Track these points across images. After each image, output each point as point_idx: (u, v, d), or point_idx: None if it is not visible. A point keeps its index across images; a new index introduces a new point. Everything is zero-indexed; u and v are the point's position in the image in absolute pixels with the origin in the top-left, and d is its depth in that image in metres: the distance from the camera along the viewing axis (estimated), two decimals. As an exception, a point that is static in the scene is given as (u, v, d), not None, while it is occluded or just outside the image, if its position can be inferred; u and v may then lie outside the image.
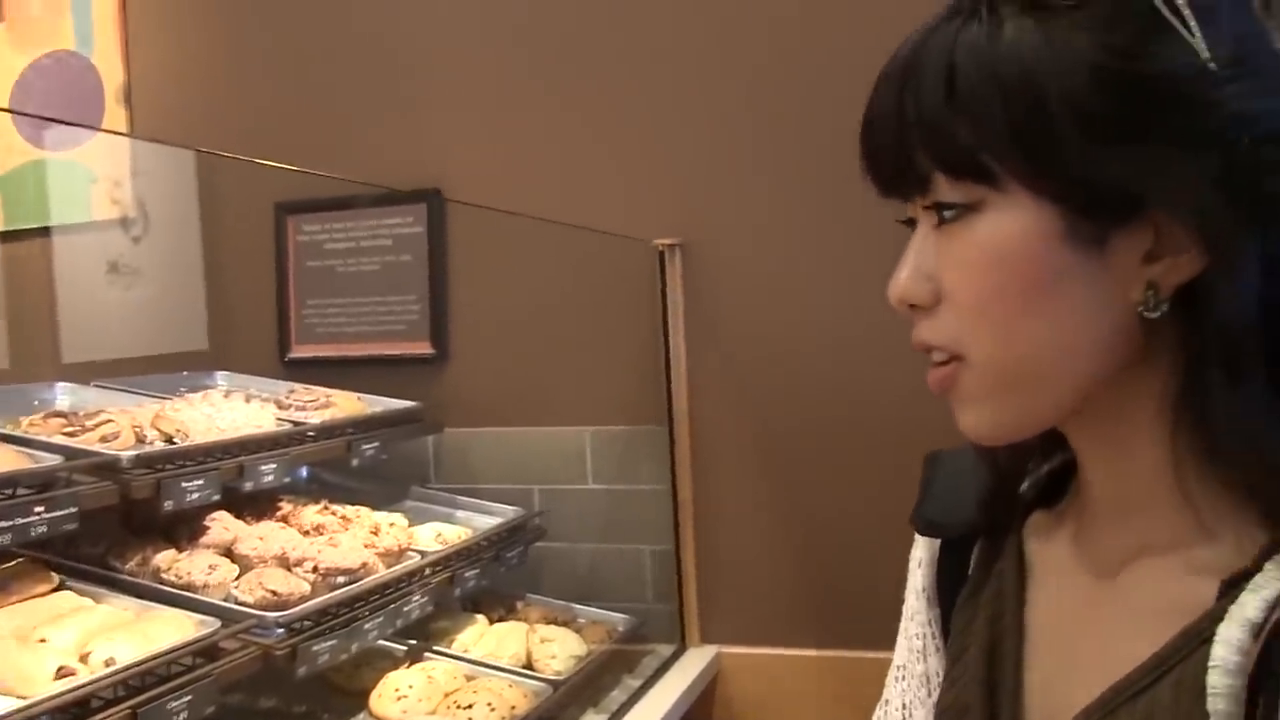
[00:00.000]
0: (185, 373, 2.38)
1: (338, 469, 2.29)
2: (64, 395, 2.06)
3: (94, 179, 2.84)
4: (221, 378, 2.44)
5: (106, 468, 1.58)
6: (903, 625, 0.88)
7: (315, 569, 1.76)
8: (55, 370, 2.49)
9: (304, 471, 2.33)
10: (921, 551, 0.86)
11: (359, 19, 2.66)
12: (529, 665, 2.08)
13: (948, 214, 0.65)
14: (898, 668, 0.88)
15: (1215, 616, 0.60)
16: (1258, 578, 0.59)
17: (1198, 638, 0.60)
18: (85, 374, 2.17)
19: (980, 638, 0.76)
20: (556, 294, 2.47)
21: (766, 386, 2.32)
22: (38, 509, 1.40)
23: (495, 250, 2.52)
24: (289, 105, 2.69)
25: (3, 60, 2.88)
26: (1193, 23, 0.60)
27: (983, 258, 0.64)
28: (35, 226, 2.85)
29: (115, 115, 2.81)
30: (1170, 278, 0.62)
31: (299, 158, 1.97)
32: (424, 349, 2.55)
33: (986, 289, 0.64)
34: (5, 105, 2.91)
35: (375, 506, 2.16)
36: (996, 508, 0.79)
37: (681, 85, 2.39)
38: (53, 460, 1.53)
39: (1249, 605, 0.58)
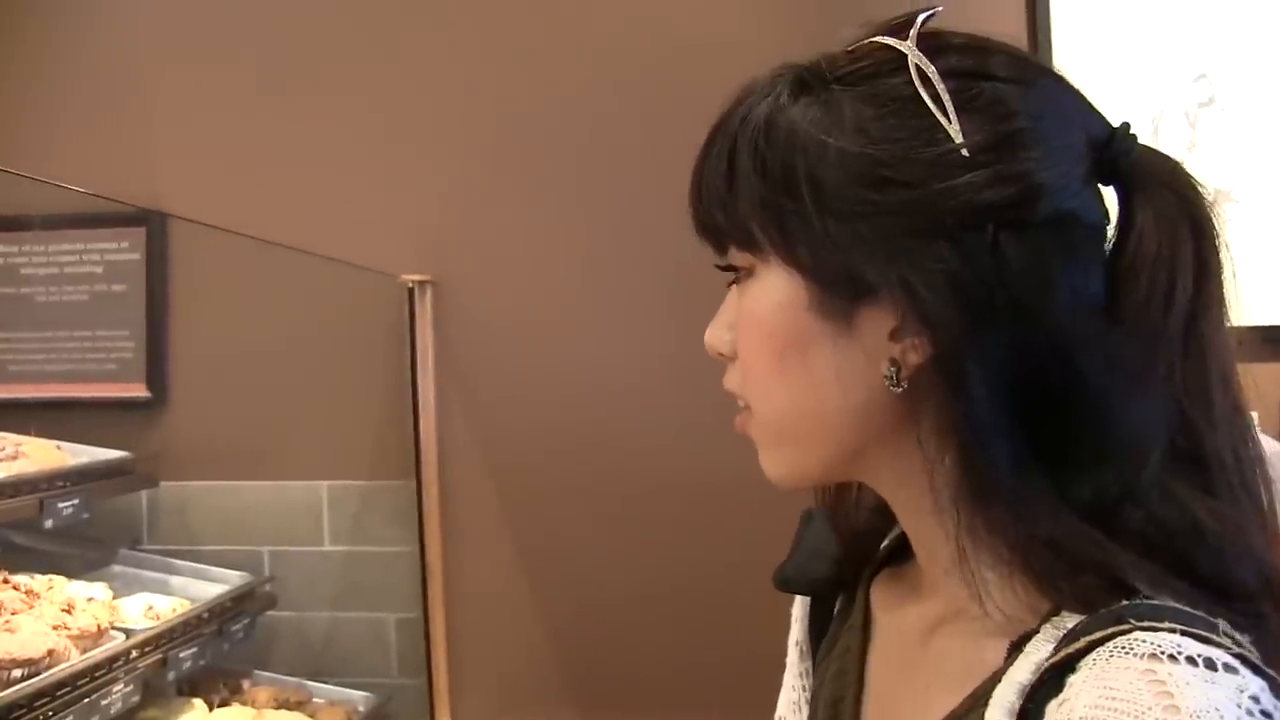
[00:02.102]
0: None
1: (28, 531, 2.11)
2: None
3: None
4: (-115, 422, 2.15)
5: None
6: (785, 676, 0.92)
7: (-15, 662, 1.53)
8: None
9: (-16, 535, 2.17)
10: (798, 605, 0.91)
11: (77, 11, 2.40)
12: (253, 758, 1.90)
13: (733, 275, 0.72)
14: (778, 719, 0.92)
15: (997, 679, 0.63)
16: (1033, 641, 0.63)
17: (982, 699, 0.63)
18: None
19: (826, 693, 0.81)
20: (293, 333, 2.30)
21: (523, 438, 2.23)
22: None
23: (225, 282, 2.35)
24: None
25: None
26: (949, 106, 0.63)
27: (747, 320, 0.71)
28: None
29: None
30: (909, 358, 0.66)
31: (-9, 165, 1.74)
32: (138, 391, 2.39)
33: (750, 349, 0.71)
34: None
35: (73, 575, 1.98)
36: (844, 565, 0.84)
37: (435, 110, 2.27)
38: None
39: (1022, 668, 0.62)
